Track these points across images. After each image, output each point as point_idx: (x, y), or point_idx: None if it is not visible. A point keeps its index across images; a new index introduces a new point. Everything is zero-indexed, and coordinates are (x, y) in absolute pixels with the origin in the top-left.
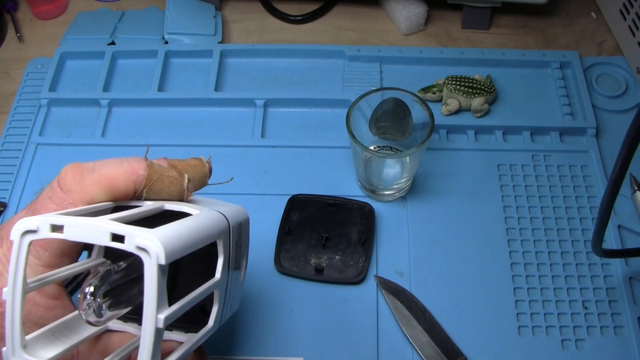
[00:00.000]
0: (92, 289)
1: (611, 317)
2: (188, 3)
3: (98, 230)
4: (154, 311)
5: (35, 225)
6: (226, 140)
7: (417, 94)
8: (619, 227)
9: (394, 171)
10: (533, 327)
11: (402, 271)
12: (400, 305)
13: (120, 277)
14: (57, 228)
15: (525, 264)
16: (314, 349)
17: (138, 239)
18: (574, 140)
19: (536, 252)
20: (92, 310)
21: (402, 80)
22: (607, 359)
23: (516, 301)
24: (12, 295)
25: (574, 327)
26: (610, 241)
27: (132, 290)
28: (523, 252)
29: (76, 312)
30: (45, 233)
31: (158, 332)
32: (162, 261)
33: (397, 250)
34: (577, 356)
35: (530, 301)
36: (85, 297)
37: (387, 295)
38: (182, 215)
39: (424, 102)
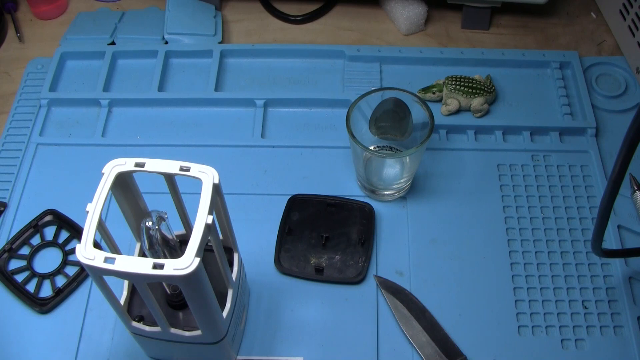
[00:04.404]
0: (154, 219)
1: (611, 317)
2: (188, 3)
3: (170, 164)
4: (206, 213)
5: (123, 161)
6: (226, 140)
7: (417, 94)
8: (619, 227)
9: (394, 171)
10: (533, 327)
11: (402, 271)
12: (400, 305)
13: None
14: (139, 165)
15: (525, 264)
16: (314, 349)
17: (200, 167)
18: (574, 140)
19: (536, 252)
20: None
21: (402, 80)
22: (607, 358)
23: (516, 301)
24: (94, 208)
25: (573, 326)
26: (610, 241)
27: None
28: (523, 252)
29: None
30: (130, 167)
31: (207, 227)
32: (216, 180)
33: (397, 250)
34: (577, 356)
35: (530, 301)
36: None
37: (387, 295)
38: None
39: (424, 102)
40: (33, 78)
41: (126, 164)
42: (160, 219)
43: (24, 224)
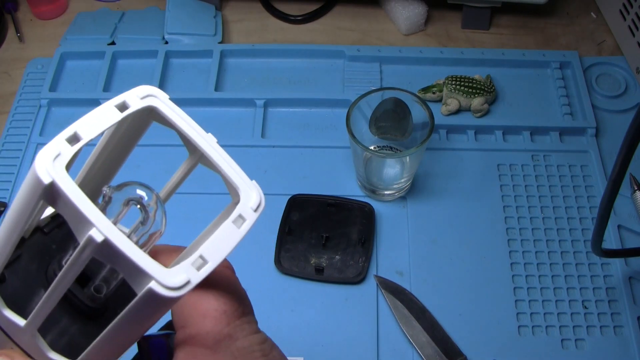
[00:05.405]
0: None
1: (611, 317)
2: (188, 3)
3: (104, 111)
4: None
5: (55, 150)
6: (226, 140)
7: (417, 94)
8: (619, 227)
9: (394, 171)
10: (533, 326)
11: (402, 271)
12: (400, 305)
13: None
14: (73, 139)
15: (525, 264)
16: (314, 349)
17: (140, 94)
18: (574, 140)
19: (536, 252)
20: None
21: (402, 80)
22: (607, 358)
23: (516, 301)
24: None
25: (573, 326)
26: (610, 241)
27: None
28: (523, 252)
29: None
30: (68, 150)
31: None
32: (168, 97)
33: (397, 250)
34: (577, 356)
35: (530, 301)
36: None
37: (387, 295)
38: None
39: (424, 102)
40: (33, 78)
41: (60, 151)
42: (157, 198)
43: None
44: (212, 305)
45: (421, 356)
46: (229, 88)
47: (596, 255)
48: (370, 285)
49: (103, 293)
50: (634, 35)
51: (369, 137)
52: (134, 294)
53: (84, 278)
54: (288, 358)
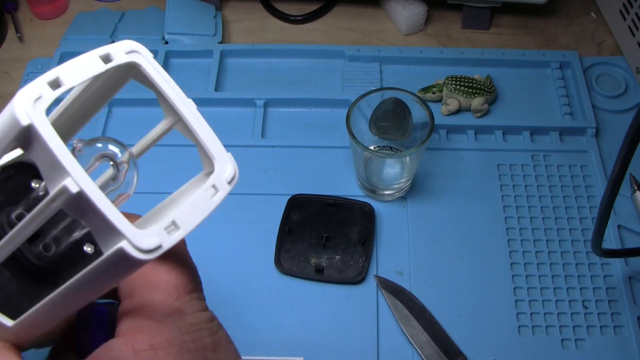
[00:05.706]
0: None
1: (611, 317)
2: (188, 3)
3: (88, 60)
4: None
5: (36, 93)
6: (226, 140)
7: (417, 94)
8: (619, 227)
9: (394, 171)
10: (533, 326)
11: (402, 271)
12: (400, 305)
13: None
14: (55, 84)
15: (525, 264)
16: (314, 349)
17: (125, 49)
18: (574, 140)
19: (536, 252)
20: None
21: (402, 80)
22: (607, 358)
23: (516, 301)
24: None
25: (573, 326)
26: (610, 241)
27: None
28: (523, 252)
29: None
30: (50, 94)
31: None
32: (152, 55)
33: (397, 250)
34: (577, 356)
35: (530, 301)
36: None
37: (387, 295)
38: None
39: (424, 102)
40: (33, 78)
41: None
42: (130, 156)
43: None
44: (164, 278)
45: (421, 356)
46: (229, 88)
47: (596, 255)
48: (370, 285)
49: (51, 252)
50: (634, 35)
51: (369, 137)
52: (94, 256)
53: (33, 235)
54: (288, 358)
